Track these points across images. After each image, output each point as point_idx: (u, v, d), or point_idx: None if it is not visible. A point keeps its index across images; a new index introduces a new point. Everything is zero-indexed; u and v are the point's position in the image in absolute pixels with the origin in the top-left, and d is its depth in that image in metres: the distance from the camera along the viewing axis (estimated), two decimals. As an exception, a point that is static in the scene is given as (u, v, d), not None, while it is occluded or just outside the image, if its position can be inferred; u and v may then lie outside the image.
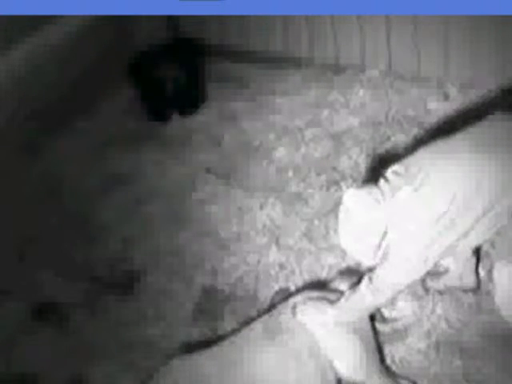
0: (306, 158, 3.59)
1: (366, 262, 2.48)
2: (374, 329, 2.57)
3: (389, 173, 2.38)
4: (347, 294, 2.47)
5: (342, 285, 2.62)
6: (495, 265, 2.54)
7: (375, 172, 3.38)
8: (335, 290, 2.60)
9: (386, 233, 2.34)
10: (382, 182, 2.38)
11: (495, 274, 2.55)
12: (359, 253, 2.43)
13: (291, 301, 2.54)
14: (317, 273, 2.97)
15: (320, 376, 2.36)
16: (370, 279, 2.39)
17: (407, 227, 2.32)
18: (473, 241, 2.40)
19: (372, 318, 2.57)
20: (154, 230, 3.34)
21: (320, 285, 2.80)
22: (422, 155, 2.41)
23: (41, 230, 3.41)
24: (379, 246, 2.36)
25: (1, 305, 3.08)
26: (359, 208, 2.34)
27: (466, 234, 2.33)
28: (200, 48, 4.17)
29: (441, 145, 2.42)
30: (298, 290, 2.80)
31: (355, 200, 2.36)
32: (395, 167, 2.39)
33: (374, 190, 2.36)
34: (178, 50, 4.14)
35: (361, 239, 2.38)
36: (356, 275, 2.69)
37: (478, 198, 2.28)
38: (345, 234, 2.42)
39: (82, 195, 3.59)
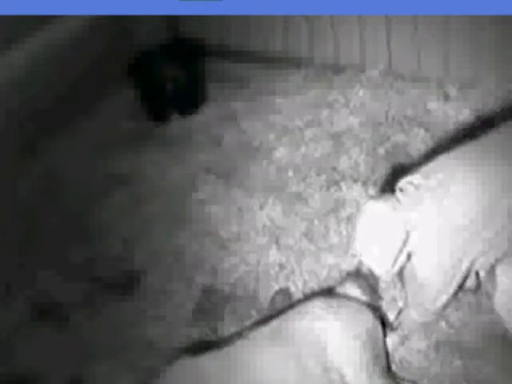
0: (306, 158, 3.59)
1: (382, 274, 2.47)
2: (384, 334, 2.56)
3: (405, 183, 2.34)
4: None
5: (352, 290, 2.62)
6: (498, 265, 2.51)
7: (375, 173, 3.41)
8: (346, 296, 2.59)
9: (404, 246, 2.32)
10: (399, 193, 2.34)
11: (497, 274, 2.52)
12: (376, 264, 2.41)
13: (303, 307, 2.53)
14: (317, 273, 2.97)
15: (326, 382, 2.36)
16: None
17: (429, 243, 2.30)
18: (495, 253, 2.37)
19: (383, 323, 2.57)
20: (154, 230, 3.34)
21: (326, 289, 2.80)
22: (440, 165, 2.36)
23: (41, 229, 3.41)
24: (397, 258, 2.34)
25: (1, 305, 3.08)
26: (379, 219, 2.32)
27: (489, 247, 2.31)
28: (200, 48, 4.16)
29: (459, 153, 2.37)
30: (307, 296, 2.79)
31: (376, 211, 2.34)
32: (412, 178, 2.34)
33: (394, 201, 2.33)
34: (178, 50, 4.14)
35: (379, 250, 2.36)
36: (363, 279, 2.68)
37: (498, 208, 2.25)
38: (363, 244, 2.40)
39: (81, 195, 3.59)
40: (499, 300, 2.49)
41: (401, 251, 2.32)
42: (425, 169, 2.37)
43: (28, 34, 3.76)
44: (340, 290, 2.68)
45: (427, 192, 2.29)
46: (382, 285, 2.64)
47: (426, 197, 2.29)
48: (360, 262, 2.72)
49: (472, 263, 2.35)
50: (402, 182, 2.35)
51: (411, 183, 2.32)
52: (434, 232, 2.29)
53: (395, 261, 2.34)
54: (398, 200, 2.32)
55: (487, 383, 2.49)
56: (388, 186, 3.14)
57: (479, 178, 2.27)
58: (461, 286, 2.45)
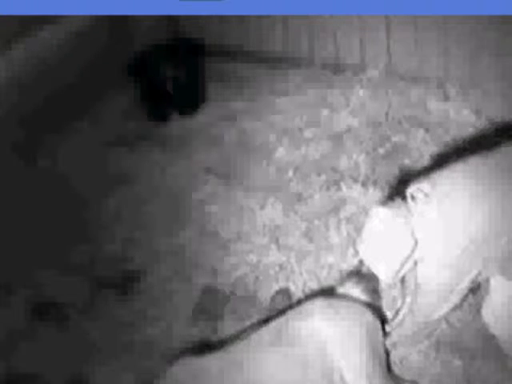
0: (306, 158, 3.59)
1: (387, 280, 2.46)
2: (384, 334, 2.56)
3: (415, 190, 2.33)
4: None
5: (352, 290, 2.62)
6: (493, 278, 2.47)
7: (375, 173, 3.41)
8: (347, 296, 2.59)
9: (413, 253, 2.31)
10: (409, 200, 2.33)
11: (491, 282, 2.50)
12: (381, 269, 2.40)
13: (303, 307, 2.52)
14: (317, 273, 2.98)
15: (326, 382, 2.36)
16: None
17: (433, 253, 2.29)
18: (494, 264, 2.37)
19: (382, 322, 2.57)
20: (154, 230, 3.34)
21: (326, 289, 2.80)
22: (448, 176, 2.35)
23: (41, 229, 3.41)
24: (404, 265, 2.33)
25: (0, 304, 3.08)
26: (388, 225, 2.31)
27: (494, 260, 2.30)
28: (200, 48, 4.16)
29: (470, 166, 2.35)
30: (307, 296, 2.80)
31: (385, 217, 2.33)
32: (422, 185, 2.32)
33: (403, 208, 2.32)
34: (178, 50, 4.14)
35: (386, 256, 2.35)
36: (364, 279, 2.68)
37: (505, 222, 2.25)
38: (369, 249, 2.40)
39: (81, 195, 3.59)
40: (488, 304, 2.48)
41: (408, 259, 2.31)
42: (434, 177, 2.34)
43: (28, 34, 3.76)
44: (340, 290, 2.68)
45: (435, 201, 2.27)
46: (382, 285, 2.64)
47: (434, 206, 2.27)
48: (360, 262, 2.72)
49: (477, 276, 2.34)
50: (413, 189, 2.33)
51: (421, 190, 2.31)
52: (439, 243, 2.28)
53: (401, 268, 2.34)
54: (408, 207, 2.30)
55: (487, 383, 2.49)
56: (393, 191, 3.15)
57: (491, 190, 2.25)
58: (464, 298, 2.46)
